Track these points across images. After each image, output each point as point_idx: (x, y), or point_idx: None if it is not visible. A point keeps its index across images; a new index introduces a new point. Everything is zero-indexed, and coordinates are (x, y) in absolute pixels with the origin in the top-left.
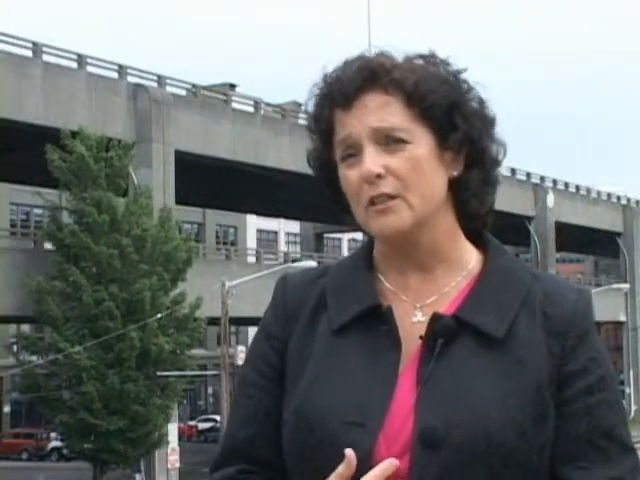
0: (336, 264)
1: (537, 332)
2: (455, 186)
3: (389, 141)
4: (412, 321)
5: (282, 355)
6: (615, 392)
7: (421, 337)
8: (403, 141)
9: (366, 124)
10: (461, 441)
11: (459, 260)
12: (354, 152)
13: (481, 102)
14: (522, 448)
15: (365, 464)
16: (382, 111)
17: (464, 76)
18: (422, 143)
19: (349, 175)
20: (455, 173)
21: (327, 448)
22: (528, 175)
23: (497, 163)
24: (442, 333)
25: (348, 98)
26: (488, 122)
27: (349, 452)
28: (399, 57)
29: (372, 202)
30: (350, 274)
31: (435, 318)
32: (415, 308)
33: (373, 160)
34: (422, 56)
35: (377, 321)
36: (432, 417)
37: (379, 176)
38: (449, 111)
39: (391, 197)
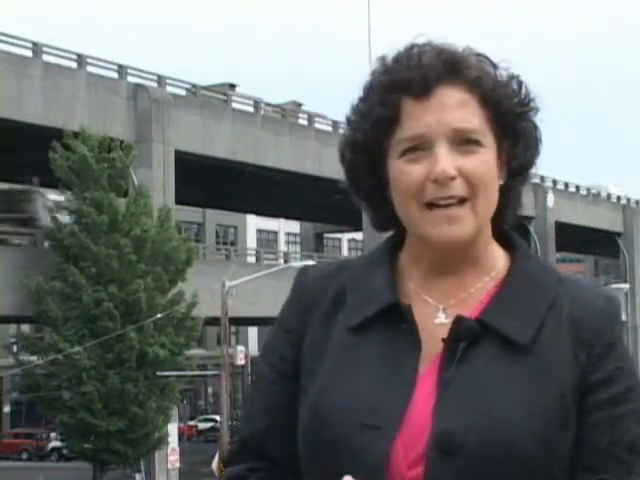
0: (357, 259)
1: (563, 339)
2: (500, 193)
3: (464, 142)
4: (435, 323)
5: (298, 349)
6: None
7: (443, 340)
8: (479, 144)
9: (446, 124)
10: (478, 448)
11: (487, 263)
12: (421, 147)
13: (536, 112)
14: (542, 458)
15: (380, 470)
16: (462, 110)
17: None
18: (491, 147)
19: (411, 170)
20: (501, 182)
21: (341, 450)
22: None
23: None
24: (465, 336)
25: (427, 88)
26: (539, 133)
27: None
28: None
29: (432, 204)
30: (371, 271)
31: (458, 321)
32: (438, 310)
33: (447, 161)
34: (477, 54)
35: (397, 320)
36: (449, 423)
37: (452, 178)
38: (515, 120)
39: (459, 201)
